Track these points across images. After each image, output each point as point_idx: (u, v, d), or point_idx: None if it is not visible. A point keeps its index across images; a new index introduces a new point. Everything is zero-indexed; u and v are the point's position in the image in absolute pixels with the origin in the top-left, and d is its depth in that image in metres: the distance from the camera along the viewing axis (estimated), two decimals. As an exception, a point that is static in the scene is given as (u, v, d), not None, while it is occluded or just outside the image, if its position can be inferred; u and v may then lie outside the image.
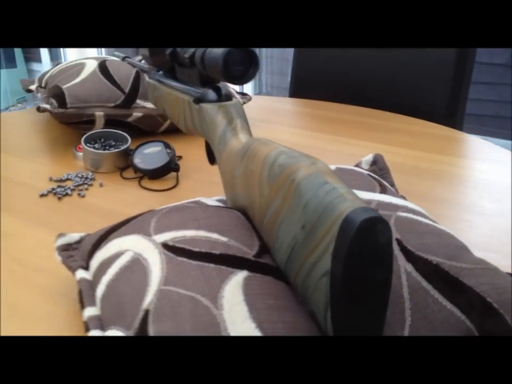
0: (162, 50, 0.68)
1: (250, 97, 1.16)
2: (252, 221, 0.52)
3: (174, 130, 0.99)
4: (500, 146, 1.02)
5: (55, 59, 4.12)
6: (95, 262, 0.53)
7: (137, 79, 1.03)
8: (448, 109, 1.34)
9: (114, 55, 1.01)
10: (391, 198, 0.58)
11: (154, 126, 1.04)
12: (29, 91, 1.16)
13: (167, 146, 0.88)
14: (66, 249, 0.56)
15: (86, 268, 0.54)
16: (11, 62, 4.05)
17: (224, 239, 0.49)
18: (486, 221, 0.74)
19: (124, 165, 0.89)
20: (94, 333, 0.45)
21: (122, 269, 0.48)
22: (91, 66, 1.04)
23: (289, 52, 2.80)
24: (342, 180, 0.41)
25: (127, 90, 1.02)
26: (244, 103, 1.13)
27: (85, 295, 0.50)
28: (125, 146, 0.90)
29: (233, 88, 1.14)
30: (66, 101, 0.96)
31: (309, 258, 0.40)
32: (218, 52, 0.55)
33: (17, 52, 4.11)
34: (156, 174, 0.86)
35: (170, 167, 0.86)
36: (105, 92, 1.00)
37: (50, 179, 0.85)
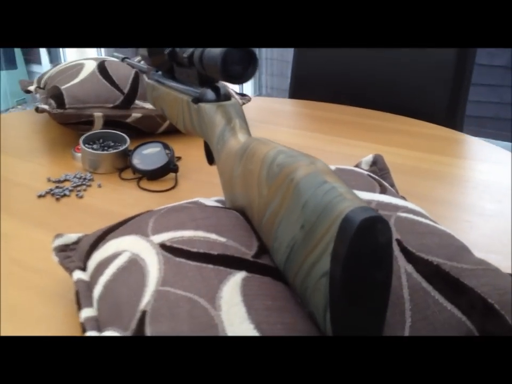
0: (161, 50, 0.68)
1: (250, 98, 1.16)
2: (251, 221, 0.52)
3: (173, 131, 0.98)
4: (500, 147, 1.02)
5: (54, 61, 4.11)
6: (92, 262, 0.52)
7: (136, 79, 1.03)
8: (448, 111, 1.34)
9: (113, 56, 1.01)
10: (391, 199, 0.57)
11: (153, 127, 1.04)
12: (28, 92, 1.15)
13: (166, 147, 0.88)
14: (63, 250, 0.56)
15: (83, 268, 0.53)
16: (11, 64, 4.05)
17: (222, 239, 0.48)
18: (487, 221, 0.73)
19: (123, 165, 0.89)
20: (91, 334, 0.45)
21: (120, 270, 0.48)
22: (90, 67, 1.04)
23: (289, 54, 2.81)
24: (341, 179, 0.40)
25: (126, 91, 1.01)
26: (243, 103, 1.12)
27: (81, 296, 0.50)
28: (123, 147, 0.89)
29: (233, 89, 1.14)
30: (65, 102, 0.96)
31: (308, 258, 0.39)
32: (216, 51, 0.55)
33: (18, 53, 4.11)
34: (155, 174, 0.85)
35: (169, 167, 0.85)
36: (104, 93, 1.00)
37: (49, 180, 0.85)
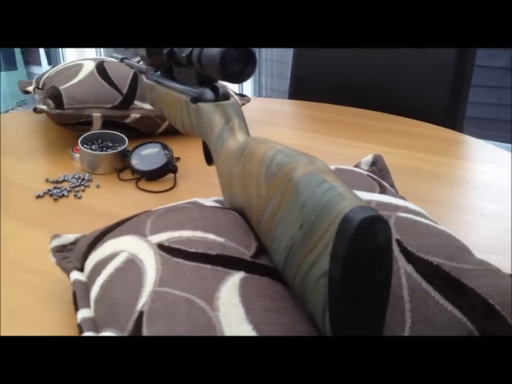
0: (159, 50, 0.67)
1: (249, 99, 1.16)
2: (250, 222, 0.51)
3: (172, 132, 0.98)
4: (500, 148, 1.01)
5: (53, 62, 4.11)
6: (89, 263, 0.52)
7: (135, 80, 1.02)
8: (448, 112, 1.34)
9: (112, 57, 1.01)
10: (391, 199, 0.57)
11: (152, 128, 1.03)
12: (26, 92, 1.15)
13: (165, 147, 0.87)
14: (61, 251, 0.56)
15: (81, 269, 0.53)
16: (11, 65, 4.05)
17: (220, 239, 0.48)
18: (487, 222, 0.73)
19: (121, 166, 0.88)
20: (88, 335, 0.44)
21: (117, 270, 0.47)
22: (89, 67, 1.04)
23: (289, 55, 2.81)
24: (341, 179, 0.40)
25: (124, 91, 1.01)
26: (243, 104, 1.12)
27: (79, 296, 0.49)
28: (122, 148, 0.89)
29: (232, 89, 1.13)
30: (64, 102, 0.96)
31: (307, 258, 0.39)
32: (215, 50, 0.54)
33: (18, 54, 4.11)
34: (154, 175, 0.85)
35: (168, 168, 0.85)
36: (102, 93, 0.99)
37: (47, 180, 0.85)
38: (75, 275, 0.52)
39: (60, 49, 4.10)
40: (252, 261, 0.46)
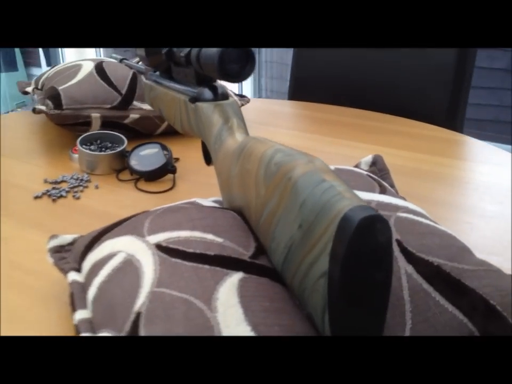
0: (158, 50, 0.67)
1: (249, 99, 1.15)
2: (248, 222, 0.51)
3: (171, 132, 0.98)
4: (500, 149, 1.01)
5: (53, 63, 4.11)
6: (87, 263, 0.51)
7: (134, 80, 1.02)
8: (448, 113, 1.33)
9: (112, 57, 1.01)
10: (391, 199, 0.57)
11: (152, 128, 1.03)
12: (25, 93, 1.14)
13: (164, 148, 0.87)
14: (58, 251, 0.55)
15: (78, 270, 0.53)
16: (11, 66, 4.04)
17: (219, 239, 0.48)
18: (487, 223, 0.72)
19: (120, 166, 0.88)
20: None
21: (115, 271, 0.47)
22: (88, 67, 1.03)
23: (288, 57, 2.80)
24: (340, 178, 0.40)
25: (123, 91, 1.00)
26: (242, 105, 1.12)
27: (76, 297, 0.49)
28: (121, 148, 0.88)
29: (232, 90, 1.13)
30: (62, 102, 0.95)
31: (306, 258, 0.38)
32: (214, 49, 0.54)
33: (18, 55, 4.11)
34: (152, 176, 0.85)
35: (167, 169, 0.85)
36: (101, 93, 0.99)
37: (45, 181, 0.84)
38: (72, 276, 0.51)
39: (60, 50, 4.10)
40: (251, 261, 0.46)
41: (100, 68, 1.03)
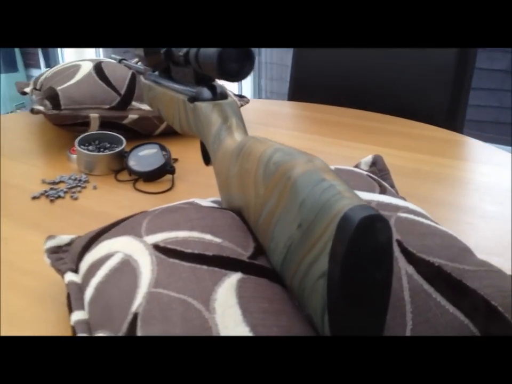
0: (157, 50, 0.67)
1: (248, 100, 1.15)
2: (247, 222, 0.51)
3: (170, 133, 0.97)
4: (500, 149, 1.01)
5: (52, 64, 4.10)
6: (84, 264, 0.51)
7: (133, 80, 1.02)
8: (448, 114, 1.33)
9: (111, 58, 1.00)
10: (391, 199, 0.56)
11: (150, 129, 1.02)
12: (24, 93, 1.14)
13: (162, 148, 0.86)
14: (55, 252, 0.55)
15: (76, 270, 0.52)
16: (11, 67, 4.04)
17: (218, 240, 0.47)
18: (488, 223, 0.72)
19: (119, 167, 0.88)
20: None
21: (112, 271, 0.46)
22: (86, 68, 1.03)
23: (288, 58, 2.80)
24: (340, 177, 0.39)
25: (122, 92, 1.00)
26: (242, 105, 1.11)
27: (73, 298, 0.48)
28: (119, 149, 0.88)
29: (231, 91, 1.13)
30: (61, 103, 0.95)
31: (305, 259, 0.38)
32: (213, 48, 0.54)
33: (18, 57, 4.11)
34: (151, 176, 0.84)
35: (166, 169, 0.84)
36: (100, 94, 0.98)
37: (43, 181, 0.84)
38: (69, 276, 0.51)
39: (59, 51, 4.10)
40: (250, 261, 0.45)
41: (98, 68, 1.03)
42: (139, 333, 0.39)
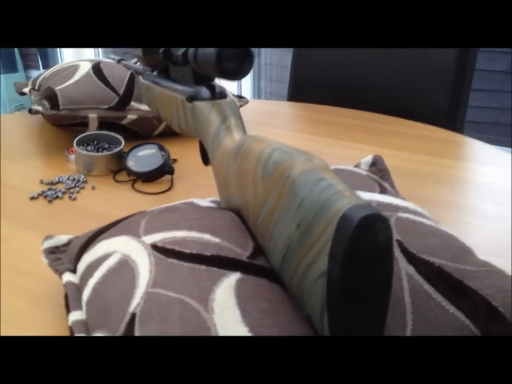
0: (155, 49, 0.66)
1: (247, 100, 1.15)
2: (246, 222, 0.50)
3: (169, 134, 0.97)
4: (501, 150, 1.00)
5: (51, 64, 4.10)
6: (82, 264, 0.51)
7: (131, 81, 1.01)
8: (448, 114, 1.33)
9: (110, 58, 1.00)
10: (391, 199, 0.56)
11: (149, 129, 1.02)
12: (22, 94, 1.14)
13: (161, 148, 0.86)
14: (53, 252, 0.54)
15: (74, 270, 0.52)
16: (11, 68, 4.04)
17: (216, 240, 0.47)
18: (488, 224, 0.72)
19: (117, 167, 0.87)
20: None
21: (110, 271, 0.46)
22: (85, 68, 1.03)
23: (288, 59, 2.79)
24: (339, 177, 0.39)
25: (121, 92, 1.00)
26: (241, 105, 1.11)
27: (71, 298, 0.48)
28: (118, 149, 0.88)
29: (231, 91, 1.12)
30: (59, 103, 0.94)
31: (305, 259, 0.37)
32: (211, 48, 0.53)
33: (18, 58, 4.10)
34: (150, 176, 0.84)
35: (165, 169, 0.84)
36: (99, 94, 0.98)
37: (41, 182, 0.83)
38: (67, 277, 0.51)
39: (58, 51, 4.10)
40: (249, 261, 0.45)
41: (97, 68, 1.02)
42: (137, 333, 0.39)
